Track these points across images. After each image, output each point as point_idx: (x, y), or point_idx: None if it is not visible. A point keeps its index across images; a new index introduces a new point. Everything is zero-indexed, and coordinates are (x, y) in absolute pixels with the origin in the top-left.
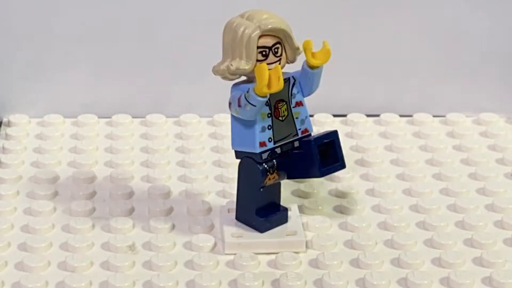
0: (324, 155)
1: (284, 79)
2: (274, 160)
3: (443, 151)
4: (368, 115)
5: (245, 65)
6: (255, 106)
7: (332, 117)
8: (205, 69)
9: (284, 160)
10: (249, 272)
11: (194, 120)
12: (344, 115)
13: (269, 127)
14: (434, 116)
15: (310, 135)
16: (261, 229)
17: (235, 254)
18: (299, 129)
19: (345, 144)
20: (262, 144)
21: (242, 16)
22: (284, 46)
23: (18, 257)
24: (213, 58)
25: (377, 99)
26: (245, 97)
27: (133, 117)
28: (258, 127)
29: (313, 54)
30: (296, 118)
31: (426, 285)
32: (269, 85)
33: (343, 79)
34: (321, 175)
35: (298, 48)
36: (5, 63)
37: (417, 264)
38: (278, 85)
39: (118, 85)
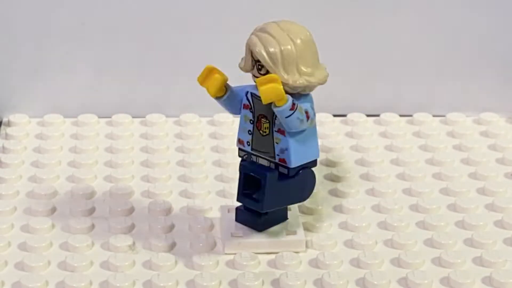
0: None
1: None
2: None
3: (443, 151)
4: (368, 115)
5: None
6: None
7: (332, 117)
8: None
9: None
10: (249, 272)
11: (194, 120)
12: (344, 115)
13: (249, 132)
14: (434, 115)
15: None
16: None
17: (235, 253)
18: (277, 155)
19: (345, 144)
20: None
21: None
22: None
23: (18, 257)
24: (213, 57)
25: (377, 99)
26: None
27: (133, 117)
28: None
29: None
30: (276, 143)
31: (426, 285)
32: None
33: (343, 79)
34: (237, 199)
35: None
36: (5, 63)
37: (417, 263)
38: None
39: (118, 85)
